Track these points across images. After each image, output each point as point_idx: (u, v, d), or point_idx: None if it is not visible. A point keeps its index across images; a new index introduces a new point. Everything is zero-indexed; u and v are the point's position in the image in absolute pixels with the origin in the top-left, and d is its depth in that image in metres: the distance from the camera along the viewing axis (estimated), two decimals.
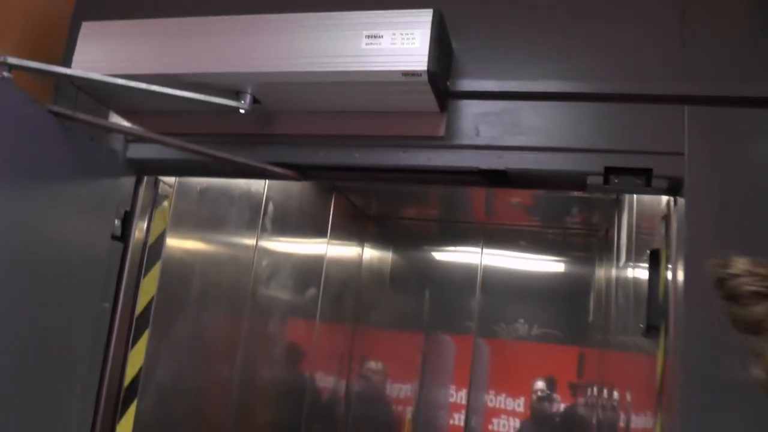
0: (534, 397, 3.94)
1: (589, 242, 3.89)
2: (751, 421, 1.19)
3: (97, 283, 1.59)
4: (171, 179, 1.82)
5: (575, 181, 1.44)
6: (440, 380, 4.27)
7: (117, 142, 1.64)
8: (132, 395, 1.69)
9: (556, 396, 3.99)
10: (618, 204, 2.71)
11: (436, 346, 4.34)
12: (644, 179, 1.38)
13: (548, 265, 4.34)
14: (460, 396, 4.17)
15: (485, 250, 4.20)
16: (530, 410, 4.00)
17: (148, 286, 1.74)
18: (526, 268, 4.32)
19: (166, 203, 1.80)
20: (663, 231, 1.44)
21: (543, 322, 4.09)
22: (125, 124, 1.64)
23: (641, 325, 1.54)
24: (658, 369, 1.42)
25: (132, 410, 1.68)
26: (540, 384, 3.95)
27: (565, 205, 3.37)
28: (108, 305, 1.62)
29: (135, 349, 1.70)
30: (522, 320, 4.08)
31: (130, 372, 1.69)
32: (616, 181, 1.40)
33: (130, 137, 1.64)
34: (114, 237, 1.63)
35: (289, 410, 2.94)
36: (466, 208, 3.79)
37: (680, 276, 1.31)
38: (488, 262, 4.19)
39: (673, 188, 1.37)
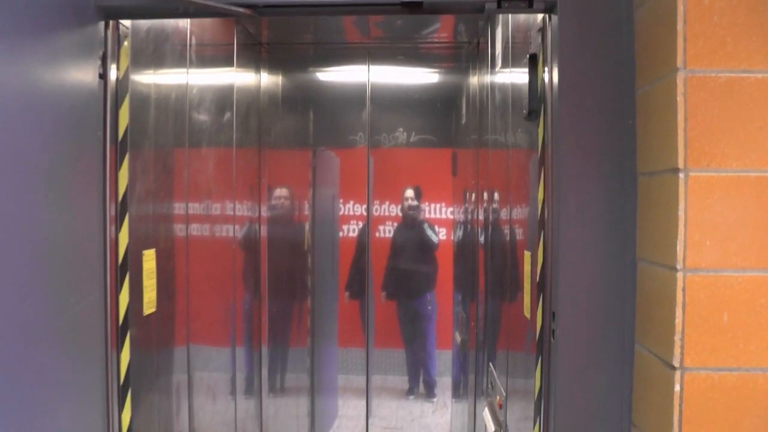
0: (405, 204, 4.59)
1: (459, 54, 4.38)
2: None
3: (95, 116, 1.88)
4: (127, 21, 2.04)
5: (476, 7, 1.80)
6: (330, 194, 4.75)
7: None
8: (124, 210, 2.04)
9: (423, 203, 4.61)
10: (491, 21, 3.15)
11: (323, 161, 4.77)
12: (527, 2, 1.75)
13: (423, 76, 4.73)
14: (347, 208, 4.67)
15: (372, 67, 4.52)
16: (401, 215, 4.63)
17: (123, 116, 2.04)
18: (402, 82, 4.69)
19: (126, 43, 2.06)
20: (539, 40, 1.83)
21: (419, 129, 4.56)
22: None
23: (524, 111, 1.94)
24: (540, 139, 1.85)
25: (126, 220, 2.04)
26: (409, 192, 4.59)
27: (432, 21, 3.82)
28: (100, 133, 1.92)
29: (121, 170, 2.03)
30: (401, 129, 4.52)
31: (121, 189, 2.03)
32: (506, 4, 1.76)
33: None
34: (100, 75, 1.91)
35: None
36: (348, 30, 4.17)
37: (555, 73, 1.72)
38: (374, 79, 4.52)
39: (549, 8, 1.76)
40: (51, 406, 1.62)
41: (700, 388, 1.38)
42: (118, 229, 1.99)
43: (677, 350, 1.39)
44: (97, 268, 1.88)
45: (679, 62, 1.39)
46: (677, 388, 1.38)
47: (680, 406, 1.38)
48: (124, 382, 1.99)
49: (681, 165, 1.39)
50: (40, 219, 1.59)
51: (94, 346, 1.85)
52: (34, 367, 1.55)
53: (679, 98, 1.39)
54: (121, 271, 2.00)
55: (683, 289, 1.38)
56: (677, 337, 1.38)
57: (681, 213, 1.38)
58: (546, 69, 1.80)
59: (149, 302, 2.23)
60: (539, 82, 1.86)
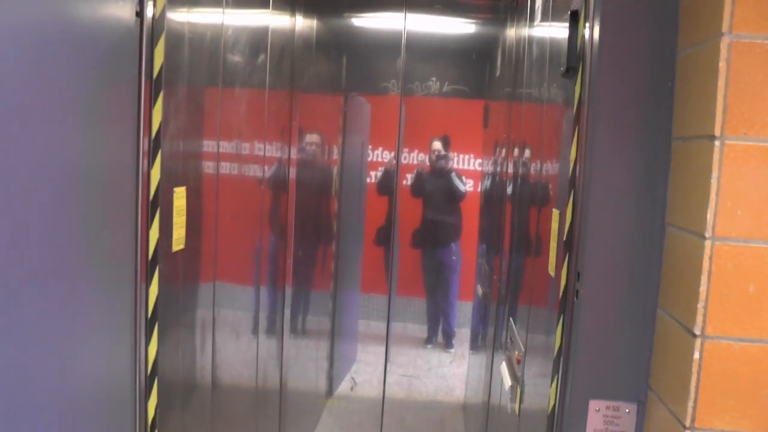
0: (433, 153, 4.61)
1: (497, 5, 4.34)
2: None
3: (131, 53, 1.90)
4: None
5: None
6: (359, 140, 4.74)
7: None
8: (157, 146, 2.06)
9: (452, 153, 4.62)
10: None
11: (354, 107, 4.74)
12: None
13: (460, 26, 4.66)
14: (376, 154, 4.68)
15: (408, 15, 4.45)
16: (430, 164, 4.65)
17: (159, 55, 2.05)
18: (438, 31, 4.62)
19: None
20: None
21: (453, 80, 4.52)
22: None
23: (561, 68, 1.91)
24: (576, 97, 1.82)
25: (159, 157, 2.06)
26: (438, 142, 4.61)
27: None
28: (136, 71, 1.94)
29: (156, 107, 2.05)
30: (434, 78, 4.49)
31: (155, 126, 2.05)
32: None
33: None
34: (137, 13, 1.92)
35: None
36: None
37: (596, 30, 1.69)
38: (410, 27, 4.45)
39: None
40: (82, 335, 1.67)
41: (720, 357, 1.39)
42: (150, 165, 2.01)
43: (700, 318, 1.39)
44: (130, 203, 1.91)
45: (725, 26, 1.36)
46: (697, 355, 1.39)
47: (698, 373, 1.39)
48: (152, 315, 2.03)
49: (718, 132, 1.37)
50: (77, 151, 1.61)
51: (124, 280, 1.89)
52: (68, 297, 1.59)
53: (722, 64, 1.36)
54: (152, 207, 2.02)
55: (710, 258, 1.38)
56: (701, 305, 1.39)
57: (714, 181, 1.37)
58: (587, 26, 1.77)
59: (178, 239, 2.27)
60: (579, 38, 1.83)
